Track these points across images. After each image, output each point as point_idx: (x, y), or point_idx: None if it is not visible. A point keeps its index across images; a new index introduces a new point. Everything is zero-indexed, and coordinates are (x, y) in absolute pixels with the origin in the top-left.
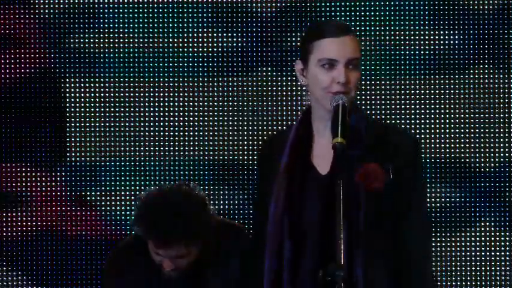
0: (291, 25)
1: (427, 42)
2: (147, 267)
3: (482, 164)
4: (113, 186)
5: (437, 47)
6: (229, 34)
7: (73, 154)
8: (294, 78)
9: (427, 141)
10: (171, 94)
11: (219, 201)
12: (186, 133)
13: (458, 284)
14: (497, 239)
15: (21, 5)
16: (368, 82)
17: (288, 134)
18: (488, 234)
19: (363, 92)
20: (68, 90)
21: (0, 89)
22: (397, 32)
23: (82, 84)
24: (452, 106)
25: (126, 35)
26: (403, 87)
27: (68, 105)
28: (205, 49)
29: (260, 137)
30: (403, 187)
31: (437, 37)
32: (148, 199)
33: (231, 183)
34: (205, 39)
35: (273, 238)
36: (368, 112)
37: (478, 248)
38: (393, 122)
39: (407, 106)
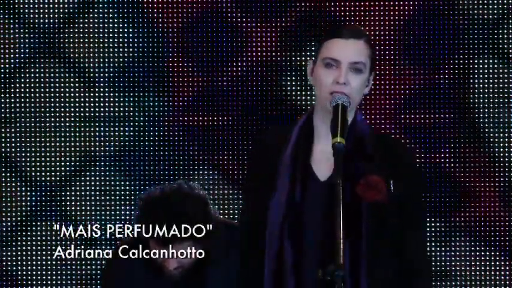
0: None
1: None
2: (147, 267)
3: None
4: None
5: None
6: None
7: None
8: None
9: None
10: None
11: (219, 201)
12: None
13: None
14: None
15: None
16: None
17: (290, 132)
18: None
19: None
20: None
21: None
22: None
23: None
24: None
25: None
26: None
27: None
28: None
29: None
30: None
31: None
32: (149, 199)
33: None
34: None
35: (273, 241)
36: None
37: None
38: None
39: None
